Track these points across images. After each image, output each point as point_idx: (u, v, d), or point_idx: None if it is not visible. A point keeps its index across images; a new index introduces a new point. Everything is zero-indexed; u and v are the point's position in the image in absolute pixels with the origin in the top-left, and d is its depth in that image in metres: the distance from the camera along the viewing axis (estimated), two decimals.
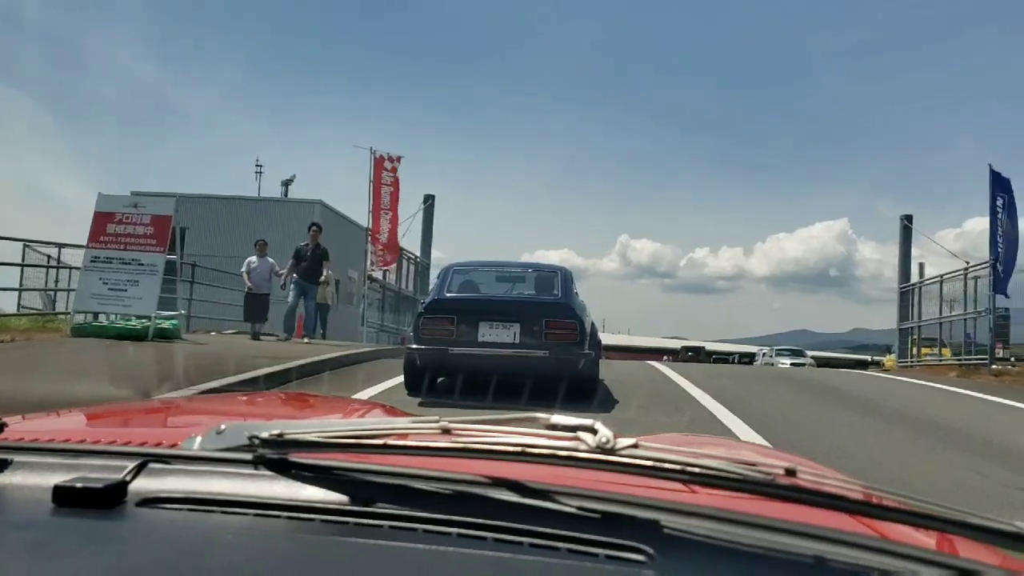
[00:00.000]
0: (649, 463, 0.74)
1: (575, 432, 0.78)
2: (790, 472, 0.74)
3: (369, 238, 16.62)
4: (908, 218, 19.23)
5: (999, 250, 14.10)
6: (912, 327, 18.74)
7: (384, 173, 16.85)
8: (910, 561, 0.70)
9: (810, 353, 43.07)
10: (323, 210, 27.00)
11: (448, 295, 8.32)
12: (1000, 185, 14.18)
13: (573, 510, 0.76)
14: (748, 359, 46.81)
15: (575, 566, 0.68)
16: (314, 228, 13.59)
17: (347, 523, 0.74)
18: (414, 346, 7.93)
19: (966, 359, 15.69)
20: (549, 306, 8.05)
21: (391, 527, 0.73)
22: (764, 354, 41.95)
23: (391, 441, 0.83)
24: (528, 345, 7.71)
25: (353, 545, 0.70)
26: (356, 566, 0.68)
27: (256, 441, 0.84)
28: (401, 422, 0.92)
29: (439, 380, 8.42)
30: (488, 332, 7.82)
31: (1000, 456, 5.98)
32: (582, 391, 7.70)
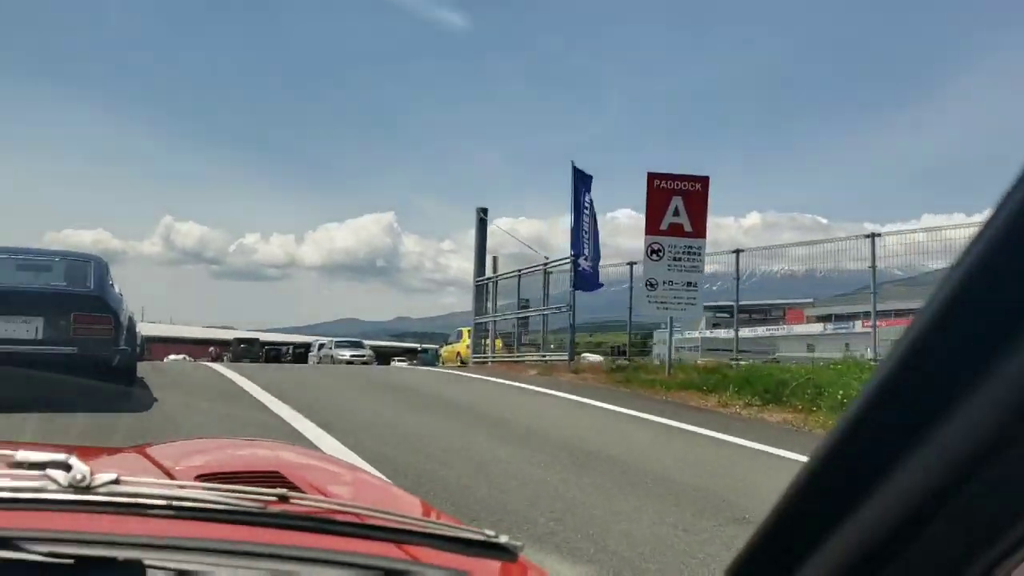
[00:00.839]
0: (130, 500, 0.70)
1: (44, 469, 0.71)
2: (283, 499, 0.75)
3: None
4: (484, 211, 18.42)
5: (584, 246, 13.62)
6: (488, 321, 18.47)
7: None
8: (377, 572, 0.76)
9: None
10: None
11: None
12: (584, 182, 13.73)
13: (42, 558, 0.67)
14: (303, 350, 45.26)
15: None
16: None
17: None
18: None
19: (550, 356, 15.59)
20: (79, 298, 7.59)
21: None
22: (322, 346, 39.96)
23: None
24: (54, 341, 7.26)
25: None
26: None
27: None
28: None
29: None
30: (4, 328, 7.19)
31: (681, 494, 5.13)
32: (118, 391, 7.44)
